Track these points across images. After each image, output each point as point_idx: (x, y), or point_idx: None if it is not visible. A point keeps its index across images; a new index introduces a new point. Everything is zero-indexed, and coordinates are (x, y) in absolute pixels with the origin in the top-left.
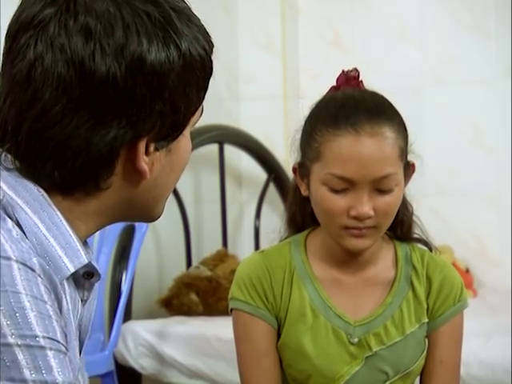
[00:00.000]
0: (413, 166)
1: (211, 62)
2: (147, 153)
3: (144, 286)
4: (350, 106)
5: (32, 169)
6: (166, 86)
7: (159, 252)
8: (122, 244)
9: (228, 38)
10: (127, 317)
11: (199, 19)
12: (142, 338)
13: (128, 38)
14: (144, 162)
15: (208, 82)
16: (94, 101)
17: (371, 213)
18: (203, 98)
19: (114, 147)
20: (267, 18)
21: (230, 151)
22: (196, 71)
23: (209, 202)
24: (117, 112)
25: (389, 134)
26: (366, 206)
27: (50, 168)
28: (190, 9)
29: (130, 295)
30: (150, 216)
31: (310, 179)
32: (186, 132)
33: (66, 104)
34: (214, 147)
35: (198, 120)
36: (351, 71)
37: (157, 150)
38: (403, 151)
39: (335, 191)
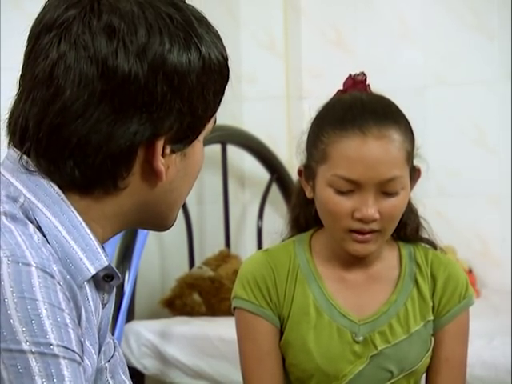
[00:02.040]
0: (418, 171)
1: (228, 69)
2: (163, 154)
3: (147, 286)
4: (358, 109)
5: (52, 167)
6: (185, 86)
7: (162, 252)
8: (124, 244)
9: (230, 38)
10: (130, 317)
11: (216, 29)
12: (144, 339)
13: (150, 37)
14: (161, 163)
15: (224, 88)
16: (115, 96)
17: (376, 215)
18: (219, 104)
19: (133, 143)
20: (269, 18)
21: (233, 151)
22: (214, 75)
23: (211, 203)
24: (138, 108)
25: (396, 136)
26: (371, 208)
27: (71, 166)
28: (207, 19)
29: (133, 295)
30: (164, 224)
31: (316, 181)
32: (201, 138)
33: (87, 99)
34: (217, 148)
35: (212, 128)
36: (358, 75)
37: (173, 152)
38: (409, 155)
39: (341, 193)
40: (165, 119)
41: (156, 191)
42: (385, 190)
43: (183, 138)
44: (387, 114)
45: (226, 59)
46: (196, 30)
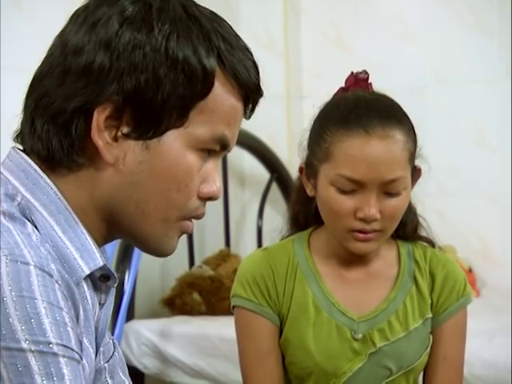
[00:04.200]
0: (419, 170)
1: (205, 69)
2: (116, 137)
3: (147, 285)
4: (362, 108)
5: (28, 139)
6: (126, 61)
7: None
8: (124, 243)
9: None
10: (130, 316)
11: (211, 37)
12: (144, 338)
13: (105, 14)
14: (101, 140)
15: (195, 91)
16: (63, 64)
17: (378, 215)
18: (189, 107)
19: (68, 107)
20: (269, 17)
21: (233, 151)
22: (176, 66)
23: (211, 202)
24: (77, 75)
25: (399, 137)
26: (373, 208)
27: (37, 137)
28: (200, 21)
29: (133, 295)
30: (143, 236)
31: (318, 179)
32: (175, 139)
33: (49, 66)
34: None
35: (203, 139)
36: (360, 73)
37: (127, 136)
38: (412, 155)
39: (343, 192)
40: (102, 90)
41: (115, 179)
42: (387, 190)
43: (137, 123)
44: (391, 114)
45: (203, 62)
46: (159, 18)
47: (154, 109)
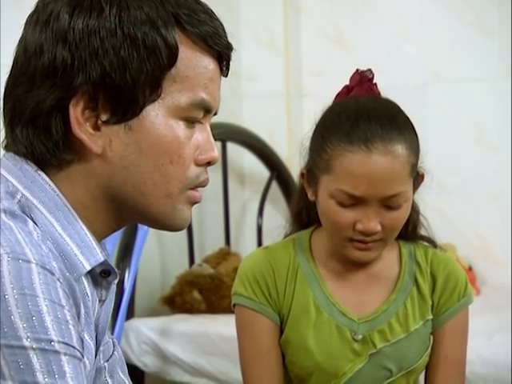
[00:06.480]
0: (422, 176)
1: (165, 39)
2: (97, 126)
3: (147, 283)
4: (364, 121)
5: (13, 144)
6: (84, 49)
7: (162, 250)
8: (124, 242)
9: (230, 36)
10: (130, 315)
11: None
12: (144, 336)
13: (55, 8)
14: (79, 130)
15: (162, 63)
16: (29, 66)
17: (378, 228)
18: (159, 79)
19: (43, 108)
20: (269, 16)
21: (233, 149)
22: (136, 43)
23: (212, 200)
24: (44, 76)
25: (401, 151)
26: (372, 221)
27: (20, 144)
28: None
29: (133, 293)
30: (152, 215)
31: (318, 188)
32: (155, 113)
33: (18, 72)
34: (217, 145)
35: (183, 107)
36: (365, 71)
37: (107, 123)
38: (414, 167)
39: (343, 205)
40: (70, 83)
41: (106, 167)
42: (387, 204)
43: (114, 108)
44: (393, 126)
45: (161, 32)
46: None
47: (126, 89)
